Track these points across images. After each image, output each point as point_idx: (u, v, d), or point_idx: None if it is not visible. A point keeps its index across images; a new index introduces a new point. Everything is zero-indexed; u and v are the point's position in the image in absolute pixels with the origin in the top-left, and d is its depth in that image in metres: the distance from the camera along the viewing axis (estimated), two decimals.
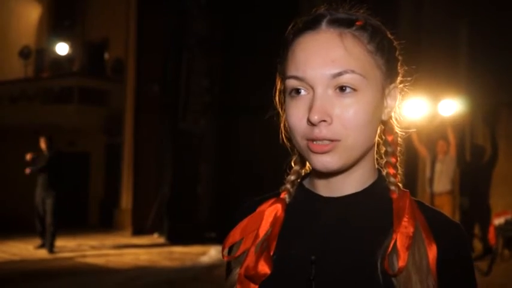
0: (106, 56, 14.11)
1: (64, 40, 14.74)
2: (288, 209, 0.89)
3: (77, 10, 14.67)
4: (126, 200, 11.99)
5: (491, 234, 7.41)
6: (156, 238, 10.51)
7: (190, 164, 10.07)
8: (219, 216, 9.58)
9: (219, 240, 8.90)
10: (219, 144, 9.88)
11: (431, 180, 7.69)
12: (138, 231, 11.00)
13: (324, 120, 0.79)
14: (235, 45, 9.64)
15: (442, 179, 7.62)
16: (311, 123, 0.80)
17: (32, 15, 15.83)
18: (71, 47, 14.75)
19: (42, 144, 8.62)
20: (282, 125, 0.91)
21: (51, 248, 8.52)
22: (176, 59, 10.22)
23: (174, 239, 9.73)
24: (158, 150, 11.36)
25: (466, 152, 8.28)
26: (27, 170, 8.53)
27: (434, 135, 7.83)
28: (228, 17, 9.76)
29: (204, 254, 8.44)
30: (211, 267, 7.55)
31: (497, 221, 7.57)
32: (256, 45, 9.13)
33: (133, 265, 7.70)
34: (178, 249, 9.14)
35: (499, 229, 7.43)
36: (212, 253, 8.32)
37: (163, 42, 10.83)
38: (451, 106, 7.69)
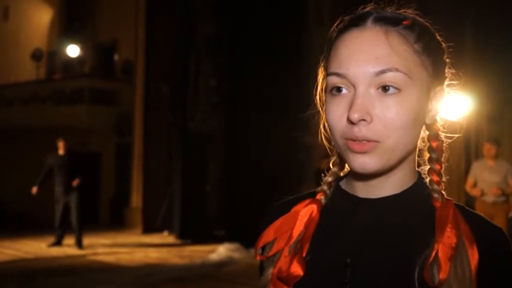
0: (116, 57, 14.22)
1: (75, 42, 14.92)
2: (323, 210, 0.86)
3: (87, 13, 14.81)
4: (136, 199, 12.12)
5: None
6: (165, 236, 10.61)
7: (199, 163, 10.14)
8: (228, 215, 9.66)
9: (227, 238, 8.99)
10: (227, 143, 9.93)
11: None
12: (148, 229, 11.11)
13: (364, 119, 0.76)
14: (242, 45, 9.68)
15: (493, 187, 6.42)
16: (351, 122, 0.77)
17: (43, 18, 16.01)
18: (82, 49, 14.91)
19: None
20: (321, 124, 0.88)
21: (79, 244, 8.73)
22: (184, 59, 10.29)
23: (183, 237, 9.84)
24: (167, 149, 11.48)
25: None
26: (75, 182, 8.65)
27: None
28: (235, 17, 9.81)
29: (213, 251, 8.51)
30: (220, 265, 7.64)
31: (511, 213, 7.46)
32: (264, 45, 9.20)
33: (143, 263, 7.81)
34: (187, 247, 9.24)
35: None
36: (221, 251, 8.39)
37: (172, 42, 10.92)
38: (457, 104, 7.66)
